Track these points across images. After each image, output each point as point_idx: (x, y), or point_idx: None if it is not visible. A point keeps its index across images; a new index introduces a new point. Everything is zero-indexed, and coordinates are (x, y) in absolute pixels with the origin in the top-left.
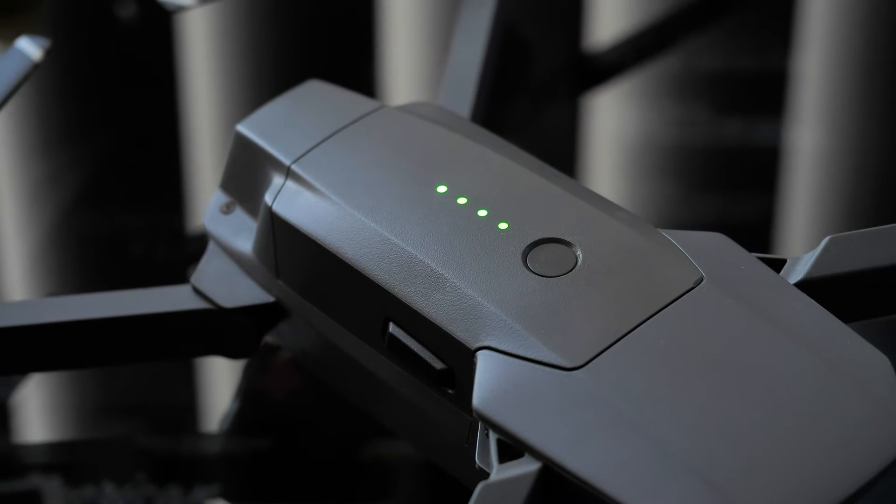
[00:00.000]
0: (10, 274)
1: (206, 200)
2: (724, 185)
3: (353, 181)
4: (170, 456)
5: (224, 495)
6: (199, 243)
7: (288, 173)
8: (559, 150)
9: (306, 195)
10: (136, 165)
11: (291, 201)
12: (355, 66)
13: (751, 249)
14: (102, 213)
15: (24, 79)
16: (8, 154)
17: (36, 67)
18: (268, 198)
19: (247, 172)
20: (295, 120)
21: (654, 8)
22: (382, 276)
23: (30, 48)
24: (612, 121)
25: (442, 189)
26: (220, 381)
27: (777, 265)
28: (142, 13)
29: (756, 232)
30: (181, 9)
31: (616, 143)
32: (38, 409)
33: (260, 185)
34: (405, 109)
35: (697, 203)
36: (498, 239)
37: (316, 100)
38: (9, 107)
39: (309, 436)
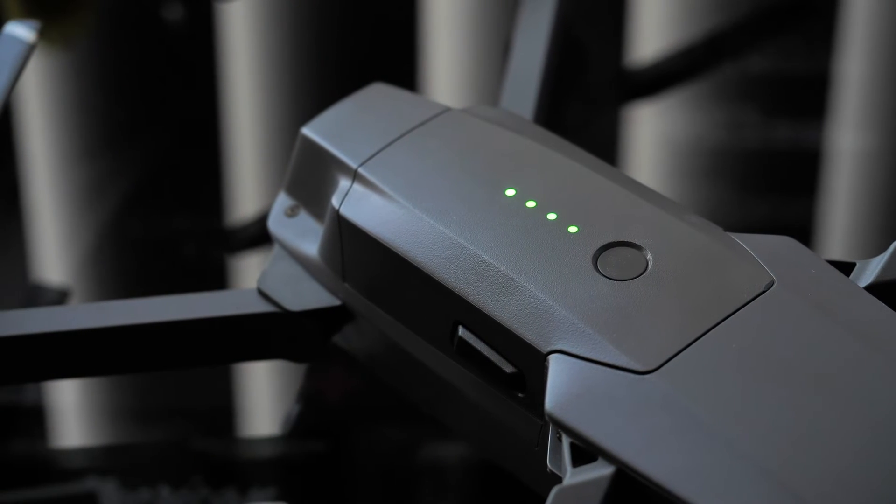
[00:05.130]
0: (61, 278)
1: (256, 202)
2: (775, 188)
3: (420, 184)
4: (226, 459)
5: (281, 499)
6: (251, 246)
7: (355, 176)
8: (609, 151)
9: (374, 198)
10: (187, 168)
11: (359, 205)
12: (400, 69)
13: None
14: (152, 217)
15: (25, 63)
16: (58, 158)
17: (33, 49)
18: (335, 201)
19: (312, 176)
20: (360, 123)
21: (704, 10)
22: (452, 279)
23: (22, 32)
24: (662, 123)
25: (510, 192)
26: (278, 384)
27: (846, 268)
28: (189, 15)
29: (809, 235)
30: None
31: (665, 145)
32: (95, 412)
33: (326, 188)
34: (470, 112)
35: (748, 206)
36: (568, 242)
37: (381, 103)
38: (57, 110)
39: (369, 439)
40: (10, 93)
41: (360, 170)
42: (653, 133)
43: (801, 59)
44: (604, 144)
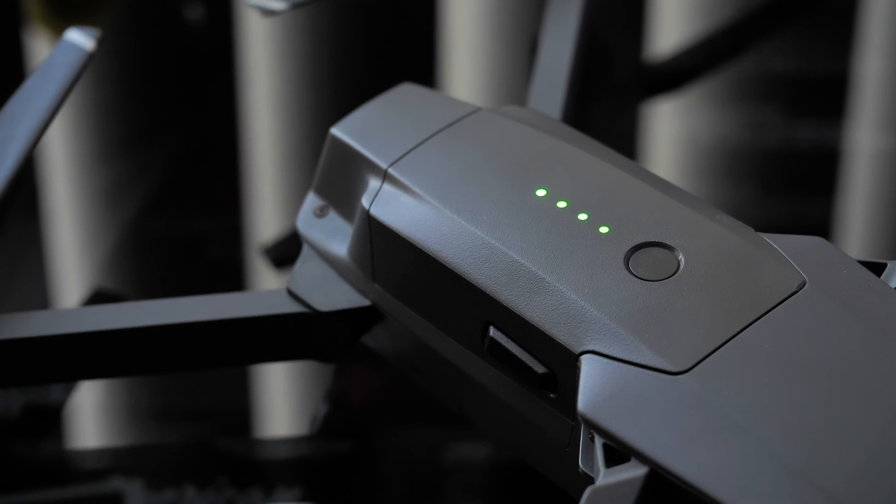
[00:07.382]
0: (84, 279)
1: (282, 203)
2: (798, 187)
3: (451, 184)
4: (252, 459)
5: (307, 499)
6: (275, 246)
7: (385, 177)
8: (633, 150)
9: (404, 199)
10: (212, 168)
11: (389, 205)
12: (426, 70)
13: None
14: (175, 218)
15: (82, 70)
16: (80, 158)
17: (91, 58)
18: (365, 201)
19: (341, 176)
20: (390, 123)
21: (726, 10)
22: (483, 280)
23: (81, 39)
24: (684, 123)
25: (541, 193)
26: (305, 384)
27: (877, 269)
28: (211, 14)
29: (833, 235)
30: (272, 13)
31: (688, 145)
32: (121, 413)
33: (355, 188)
34: (500, 112)
35: (771, 206)
36: (599, 243)
37: (410, 102)
38: (81, 110)
39: (397, 439)
40: (62, 101)
41: (390, 170)
42: (676, 133)
43: (824, 58)
44: (628, 144)
